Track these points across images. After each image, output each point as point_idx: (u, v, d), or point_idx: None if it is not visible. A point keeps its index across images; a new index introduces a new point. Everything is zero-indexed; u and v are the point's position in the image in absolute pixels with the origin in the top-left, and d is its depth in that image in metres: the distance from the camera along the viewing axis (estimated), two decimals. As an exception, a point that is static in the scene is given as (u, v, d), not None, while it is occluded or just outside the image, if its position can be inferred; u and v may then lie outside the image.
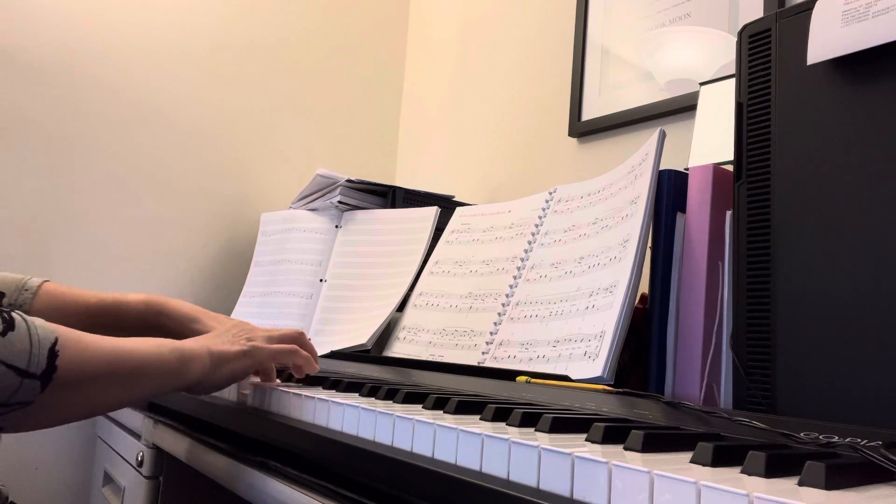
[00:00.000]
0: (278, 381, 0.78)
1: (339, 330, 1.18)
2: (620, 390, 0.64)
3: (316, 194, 1.41)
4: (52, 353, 0.54)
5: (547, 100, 1.50)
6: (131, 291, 1.55)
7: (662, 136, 0.82)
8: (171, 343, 0.65)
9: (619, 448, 0.41)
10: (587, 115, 1.38)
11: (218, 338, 0.70)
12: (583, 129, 1.39)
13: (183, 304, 0.83)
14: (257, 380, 0.76)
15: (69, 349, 0.55)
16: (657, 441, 0.41)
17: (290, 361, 0.73)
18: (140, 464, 1.02)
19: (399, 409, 0.54)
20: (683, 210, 0.79)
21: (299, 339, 0.75)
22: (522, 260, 0.98)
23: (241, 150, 1.68)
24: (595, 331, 0.76)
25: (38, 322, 0.55)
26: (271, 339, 0.72)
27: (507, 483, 0.41)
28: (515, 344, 0.87)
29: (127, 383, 0.60)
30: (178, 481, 0.99)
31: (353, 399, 0.61)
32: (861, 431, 0.44)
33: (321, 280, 1.30)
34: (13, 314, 0.54)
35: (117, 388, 0.60)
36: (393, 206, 1.35)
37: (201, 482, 0.89)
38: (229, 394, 0.78)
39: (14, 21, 1.39)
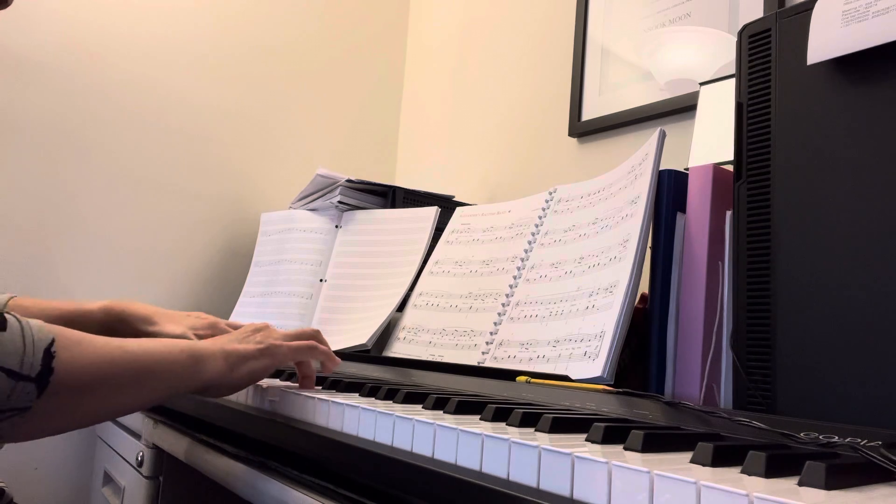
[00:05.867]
0: (278, 380, 0.78)
1: (339, 330, 1.18)
2: (620, 390, 0.64)
3: (316, 194, 1.41)
4: (48, 354, 0.51)
5: (547, 100, 1.50)
6: (132, 293, 1.55)
7: (662, 136, 0.81)
8: (183, 343, 0.64)
9: (618, 448, 0.41)
10: (587, 115, 1.38)
11: (231, 337, 0.69)
12: (583, 129, 1.39)
13: (140, 307, 0.81)
14: (273, 381, 0.75)
15: (67, 350, 0.53)
16: (657, 441, 0.41)
17: (309, 358, 0.72)
18: (140, 464, 1.02)
19: (399, 409, 0.54)
20: (683, 210, 0.79)
21: (316, 336, 0.74)
22: (522, 260, 0.98)
23: (241, 151, 1.68)
24: (595, 331, 0.76)
25: (34, 323, 0.53)
26: (287, 338, 0.71)
27: (507, 483, 0.41)
28: (515, 344, 0.87)
29: (135, 386, 0.58)
30: (178, 481, 0.99)
31: (353, 399, 0.61)
32: (861, 431, 0.44)
33: (321, 280, 1.30)
34: (6, 314, 0.52)
35: (125, 391, 0.57)
36: (393, 206, 1.34)
37: (201, 482, 0.89)
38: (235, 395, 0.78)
39: (13, 22, 1.39)
